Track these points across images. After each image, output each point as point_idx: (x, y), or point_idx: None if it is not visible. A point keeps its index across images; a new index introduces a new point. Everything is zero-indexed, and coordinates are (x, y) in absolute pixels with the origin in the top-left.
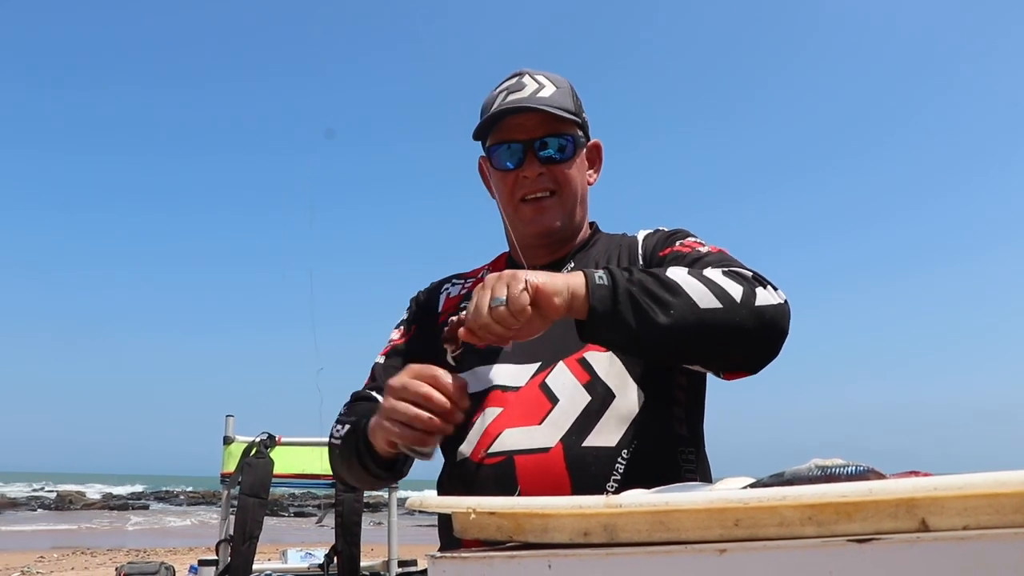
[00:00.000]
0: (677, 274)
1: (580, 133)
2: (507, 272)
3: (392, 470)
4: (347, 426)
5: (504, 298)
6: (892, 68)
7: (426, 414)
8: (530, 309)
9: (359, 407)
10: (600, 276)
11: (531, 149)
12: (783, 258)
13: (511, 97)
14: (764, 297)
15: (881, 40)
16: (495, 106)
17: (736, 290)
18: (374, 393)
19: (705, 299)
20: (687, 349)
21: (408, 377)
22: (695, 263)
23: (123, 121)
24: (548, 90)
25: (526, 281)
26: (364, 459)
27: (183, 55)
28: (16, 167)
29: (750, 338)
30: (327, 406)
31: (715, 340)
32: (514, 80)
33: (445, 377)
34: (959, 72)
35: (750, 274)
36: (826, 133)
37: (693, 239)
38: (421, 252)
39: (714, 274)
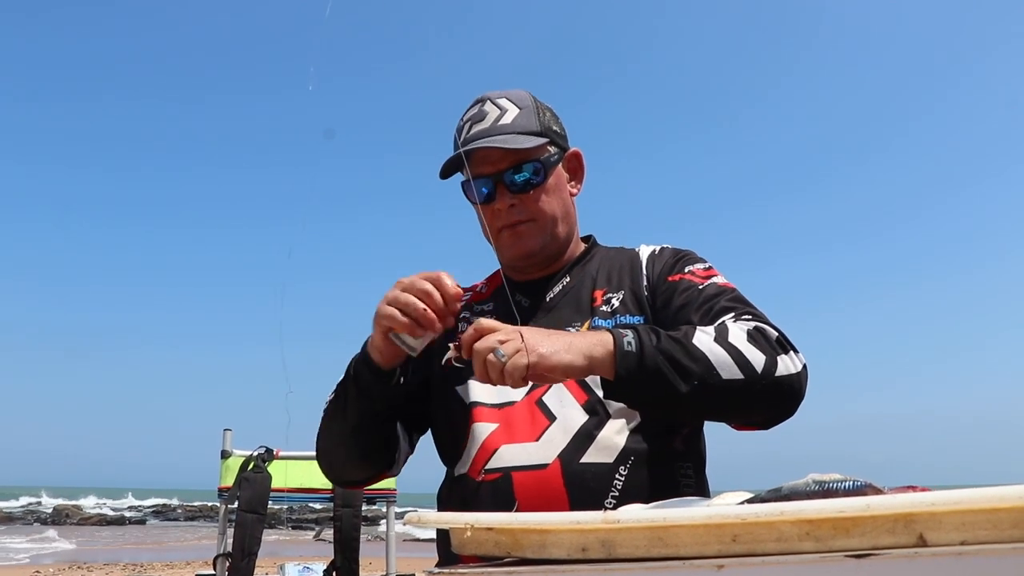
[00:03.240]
0: (703, 341)
1: (551, 151)
2: (530, 330)
3: (386, 383)
4: (337, 383)
5: (505, 356)
6: (891, 77)
7: (422, 305)
8: (521, 382)
9: None
10: (629, 342)
11: (500, 182)
12: (782, 268)
13: (474, 129)
14: (784, 366)
15: (879, 51)
16: (461, 140)
17: (759, 360)
18: None
19: (728, 370)
20: (705, 413)
21: (416, 277)
22: (709, 302)
23: (121, 133)
24: (510, 114)
25: (537, 358)
26: (361, 375)
27: (181, 67)
28: (17, 179)
29: (767, 406)
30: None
31: (732, 407)
32: (475, 109)
33: (447, 279)
34: (959, 81)
35: (774, 336)
36: (826, 143)
37: (702, 266)
38: (421, 265)
39: (739, 339)
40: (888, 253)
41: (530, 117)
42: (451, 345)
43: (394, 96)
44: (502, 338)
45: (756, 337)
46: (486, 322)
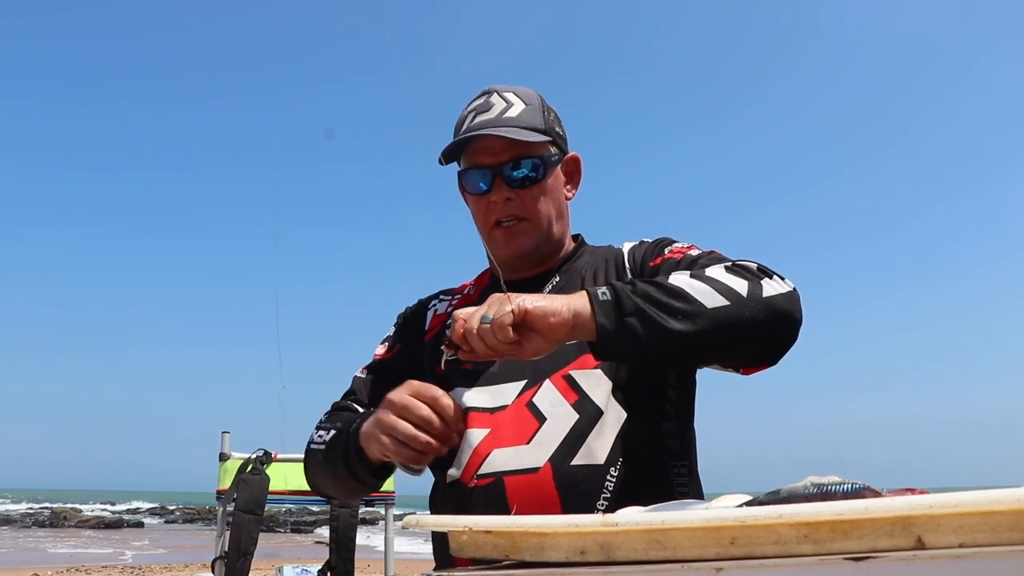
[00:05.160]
0: (679, 279)
1: (552, 151)
2: (509, 296)
3: (381, 478)
4: (331, 432)
5: (491, 316)
6: (890, 78)
7: (425, 436)
8: (511, 331)
9: (341, 416)
10: (603, 292)
11: (499, 174)
12: (782, 271)
13: (479, 118)
14: (771, 287)
15: (879, 51)
16: (463, 128)
17: (741, 285)
18: (354, 404)
19: (712, 299)
20: (703, 351)
21: (408, 395)
22: (691, 267)
23: (120, 136)
24: (516, 108)
25: (517, 304)
26: (353, 465)
27: (179, 70)
28: (17, 181)
29: (764, 330)
30: (303, 424)
31: (729, 337)
32: (482, 100)
33: (445, 399)
34: (955, 83)
35: (754, 266)
36: (825, 145)
37: (680, 244)
38: (410, 268)
39: (717, 272)
40: (888, 255)
41: (536, 114)
42: (442, 348)
43: (391, 99)
44: (484, 309)
45: (734, 269)
46: (461, 311)
